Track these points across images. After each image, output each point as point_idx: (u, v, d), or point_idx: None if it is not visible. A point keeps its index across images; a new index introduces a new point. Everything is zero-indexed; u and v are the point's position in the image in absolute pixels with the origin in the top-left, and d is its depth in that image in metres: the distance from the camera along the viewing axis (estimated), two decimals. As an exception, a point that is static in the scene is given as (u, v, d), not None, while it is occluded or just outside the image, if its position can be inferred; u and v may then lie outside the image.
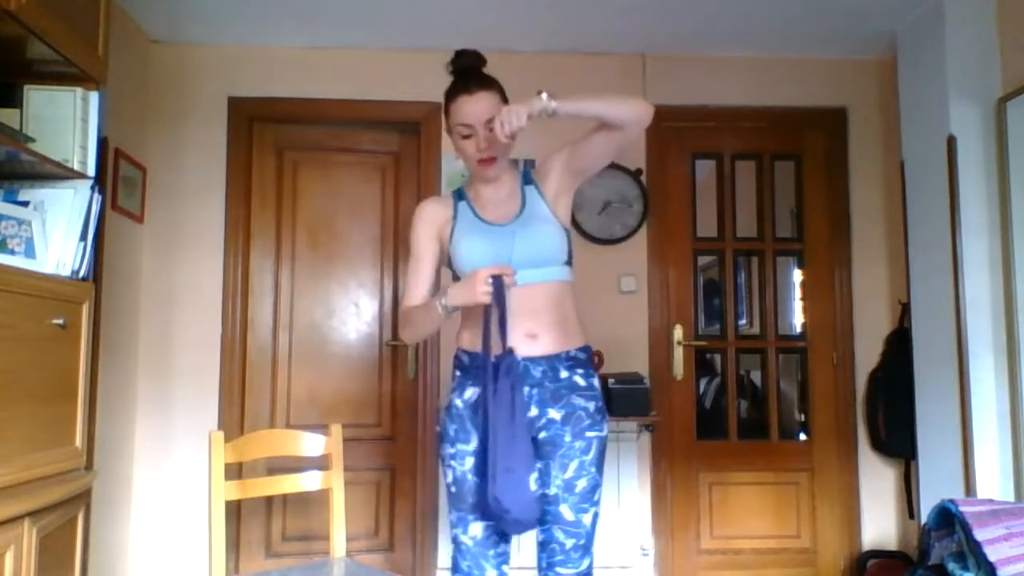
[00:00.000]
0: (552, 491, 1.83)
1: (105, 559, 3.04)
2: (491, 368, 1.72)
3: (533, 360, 1.80)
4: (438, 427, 1.86)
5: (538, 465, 1.84)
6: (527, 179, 1.96)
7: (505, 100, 1.86)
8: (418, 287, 1.94)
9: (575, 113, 1.73)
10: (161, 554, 3.31)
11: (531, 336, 1.80)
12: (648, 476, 3.45)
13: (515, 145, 1.85)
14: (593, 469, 1.84)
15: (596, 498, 1.85)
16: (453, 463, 1.83)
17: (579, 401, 1.83)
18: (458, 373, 1.91)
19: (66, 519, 2.00)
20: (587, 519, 1.84)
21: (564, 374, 1.83)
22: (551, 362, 1.82)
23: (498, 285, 1.70)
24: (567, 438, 1.82)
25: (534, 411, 1.82)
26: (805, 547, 3.58)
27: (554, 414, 1.82)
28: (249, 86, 3.52)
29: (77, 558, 2.07)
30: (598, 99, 1.78)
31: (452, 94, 1.86)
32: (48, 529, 1.88)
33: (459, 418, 1.85)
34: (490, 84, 1.86)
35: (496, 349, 1.73)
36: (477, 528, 1.82)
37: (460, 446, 1.82)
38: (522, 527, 1.74)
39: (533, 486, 1.73)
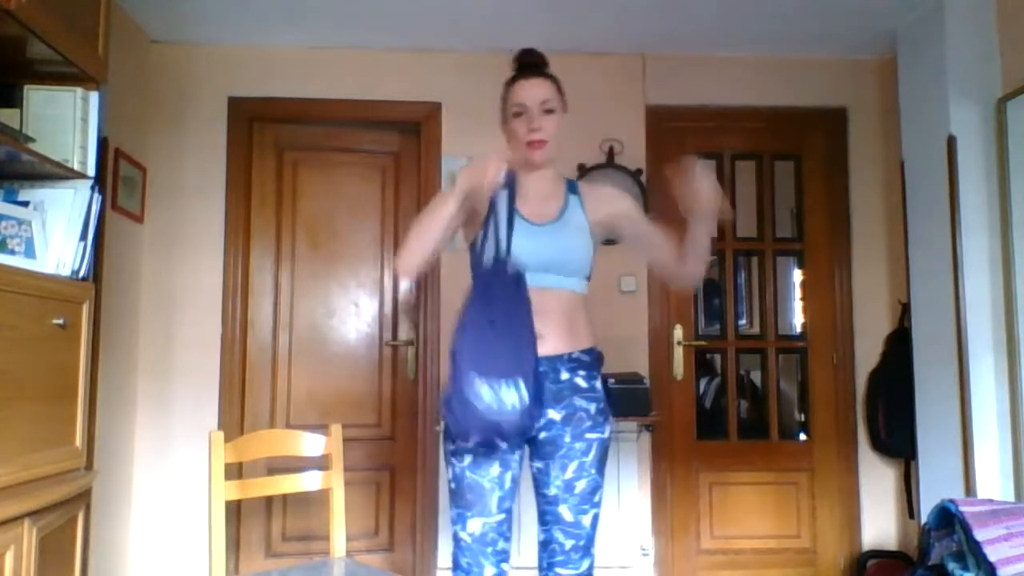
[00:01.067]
0: (552, 492, 1.83)
1: (105, 559, 3.04)
2: (486, 273, 1.70)
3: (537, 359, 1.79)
4: (438, 427, 1.83)
5: (538, 465, 1.86)
6: (572, 188, 1.97)
7: (562, 95, 1.91)
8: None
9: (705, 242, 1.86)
10: (161, 554, 3.31)
11: (537, 336, 1.77)
12: (648, 476, 3.45)
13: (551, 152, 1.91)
14: (593, 471, 1.84)
15: (597, 499, 1.85)
16: (453, 460, 1.82)
17: (580, 402, 1.83)
18: None
19: (66, 519, 2.00)
20: (587, 520, 1.84)
21: (565, 375, 1.83)
22: (553, 363, 1.81)
23: (510, 178, 1.69)
24: (567, 439, 1.82)
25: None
26: (805, 547, 3.58)
27: (554, 414, 1.82)
28: (249, 86, 3.52)
29: (77, 558, 2.07)
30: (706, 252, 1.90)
31: (511, 82, 1.91)
32: (48, 529, 1.88)
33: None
34: (549, 76, 1.92)
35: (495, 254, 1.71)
36: (476, 525, 1.81)
37: (460, 443, 1.80)
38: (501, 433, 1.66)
39: (512, 395, 1.63)
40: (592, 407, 1.85)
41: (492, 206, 1.71)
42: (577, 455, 1.82)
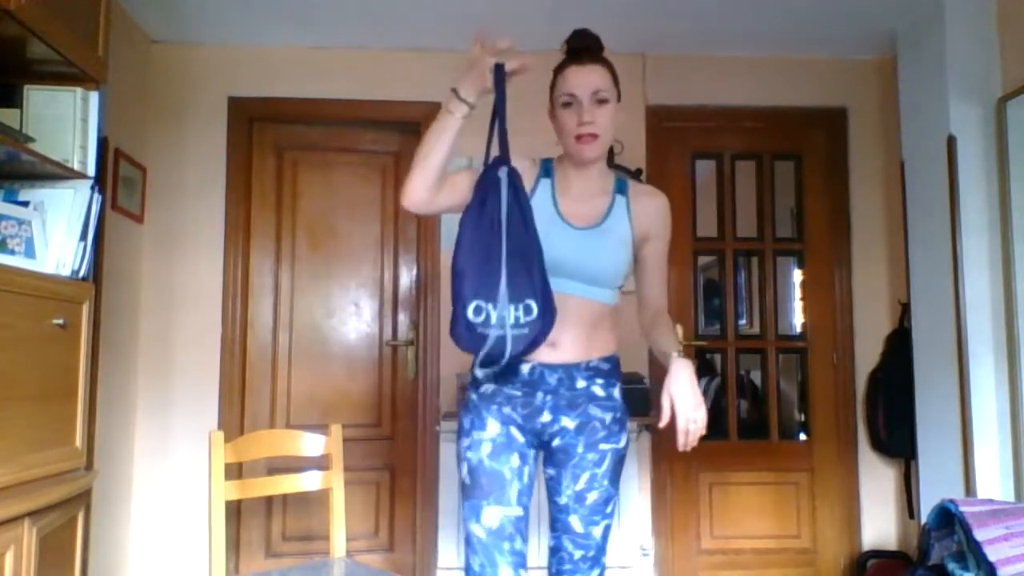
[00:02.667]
0: (563, 500, 1.77)
1: (105, 559, 3.04)
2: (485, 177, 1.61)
3: (550, 367, 1.71)
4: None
5: (550, 471, 1.80)
6: (621, 188, 1.81)
7: (617, 82, 1.74)
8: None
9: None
10: (161, 554, 3.31)
11: (551, 344, 1.67)
12: (648, 476, 3.45)
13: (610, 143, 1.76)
14: (606, 482, 1.76)
15: (609, 511, 1.78)
16: (469, 454, 1.73)
17: (595, 411, 1.75)
18: (478, 375, 1.82)
19: (66, 519, 2.00)
20: (597, 532, 1.77)
21: (581, 383, 1.74)
22: (568, 370, 1.73)
23: (499, 73, 1.57)
24: (580, 448, 1.74)
25: (547, 417, 1.74)
26: (805, 547, 3.58)
27: (568, 423, 1.74)
28: (249, 86, 3.52)
29: (77, 558, 2.07)
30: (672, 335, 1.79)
31: (561, 67, 1.75)
32: (48, 529, 1.88)
33: (475, 409, 1.76)
34: (604, 61, 1.75)
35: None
36: (493, 515, 1.68)
37: (476, 433, 1.73)
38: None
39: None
40: (608, 416, 1.76)
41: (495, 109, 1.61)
42: (589, 466, 1.74)
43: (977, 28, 2.96)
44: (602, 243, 1.72)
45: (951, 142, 2.94)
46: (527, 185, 1.68)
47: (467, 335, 1.55)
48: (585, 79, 1.70)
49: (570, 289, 1.69)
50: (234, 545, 3.41)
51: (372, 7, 3.18)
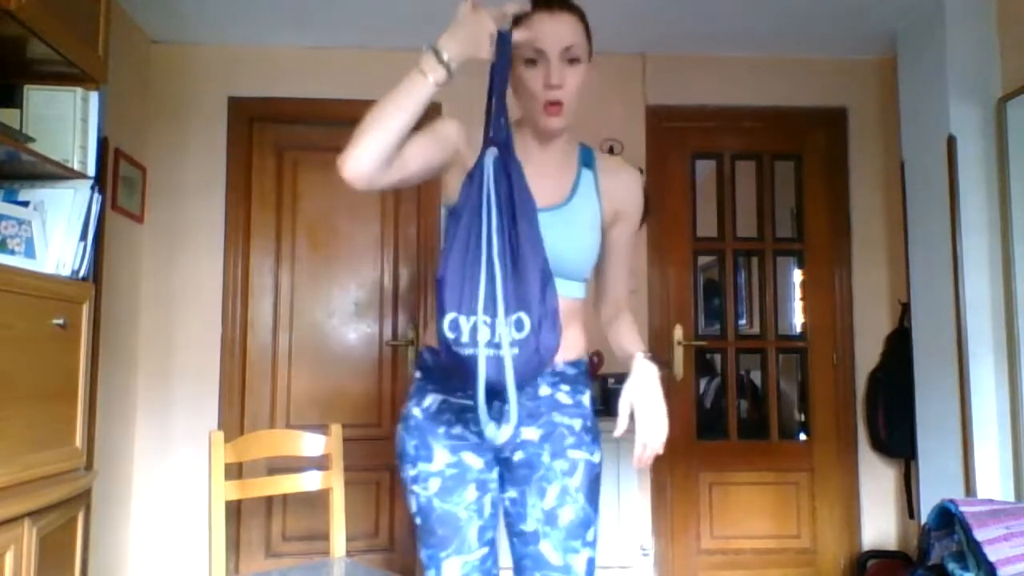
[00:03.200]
0: (530, 526, 1.44)
1: (105, 559, 3.04)
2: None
3: None
4: (397, 447, 1.48)
5: (511, 494, 1.48)
6: (587, 159, 1.53)
7: (590, 37, 1.46)
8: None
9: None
10: (161, 554, 3.31)
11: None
12: (648, 476, 3.45)
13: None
14: (581, 497, 1.44)
15: (590, 538, 1.45)
16: (416, 488, 1.43)
17: (561, 418, 1.48)
18: (418, 375, 1.52)
19: (66, 519, 2.00)
20: (578, 564, 1.43)
21: (545, 390, 1.47)
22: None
23: (504, 41, 1.32)
24: (545, 458, 1.45)
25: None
26: (805, 547, 3.58)
27: (530, 433, 1.46)
28: (249, 86, 3.52)
29: (77, 558, 2.07)
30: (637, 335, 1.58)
31: (526, 17, 1.41)
32: (48, 529, 1.88)
33: (418, 431, 1.45)
34: (576, 11, 1.45)
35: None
36: (454, 567, 1.42)
37: (422, 465, 1.43)
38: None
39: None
40: (576, 423, 1.49)
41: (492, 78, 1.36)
42: (558, 476, 1.44)
43: (977, 28, 2.96)
44: (568, 226, 1.44)
45: (951, 142, 2.94)
46: (473, 154, 1.38)
47: (445, 354, 1.26)
48: (555, 30, 1.39)
49: None
50: (234, 545, 3.41)
51: (372, 7, 3.18)
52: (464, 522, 1.42)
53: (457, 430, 1.44)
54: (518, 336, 1.23)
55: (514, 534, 1.49)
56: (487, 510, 1.45)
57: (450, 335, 1.23)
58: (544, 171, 1.45)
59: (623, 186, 1.56)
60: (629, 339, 1.54)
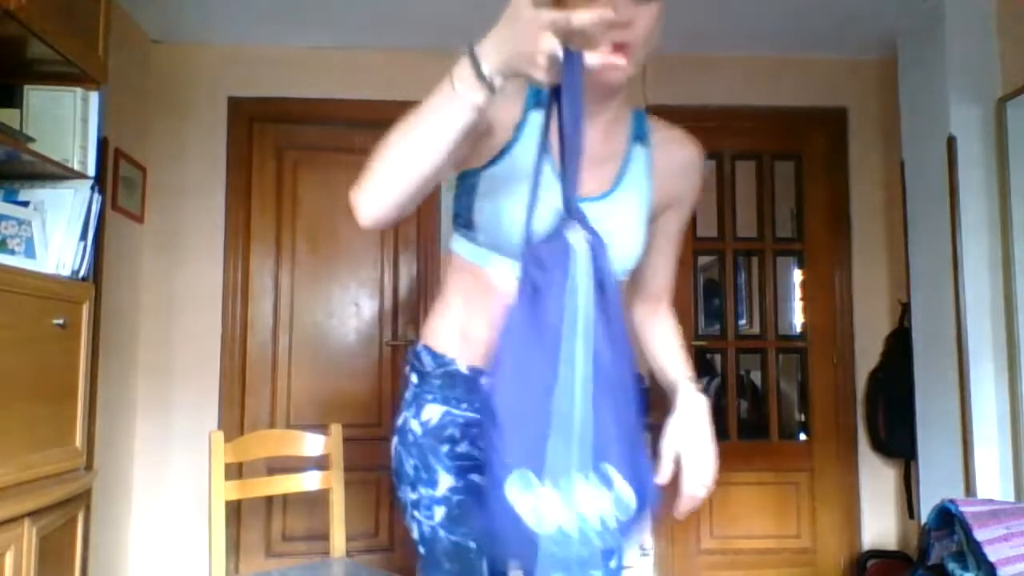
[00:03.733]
0: None
1: (105, 559, 3.04)
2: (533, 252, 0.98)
3: None
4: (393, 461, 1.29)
5: None
6: (639, 130, 1.23)
7: None
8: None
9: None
10: (161, 554, 3.31)
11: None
12: (648, 476, 3.45)
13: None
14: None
15: (613, 566, 1.20)
16: (418, 515, 1.23)
17: None
18: (414, 380, 1.27)
19: (66, 519, 2.00)
20: None
21: None
22: None
23: (571, 64, 0.90)
24: None
25: None
26: (805, 547, 3.58)
27: None
28: (249, 86, 3.51)
29: (77, 558, 2.07)
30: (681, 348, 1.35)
31: None
32: (48, 529, 1.88)
33: (418, 450, 1.23)
34: None
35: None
36: None
37: (424, 490, 1.22)
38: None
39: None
40: None
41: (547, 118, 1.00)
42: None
43: (977, 28, 2.96)
44: (613, 220, 1.14)
45: (951, 142, 2.94)
46: (509, 116, 1.12)
47: (513, 532, 0.91)
48: None
49: None
50: (234, 545, 3.41)
51: (372, 7, 3.18)
52: (475, 553, 1.20)
53: (463, 448, 1.21)
54: (619, 516, 0.91)
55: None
56: None
57: (520, 502, 0.89)
58: (589, 147, 1.05)
59: (680, 168, 1.26)
60: (672, 357, 1.27)
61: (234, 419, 3.39)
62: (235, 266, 3.46)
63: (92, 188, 2.13)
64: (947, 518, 1.96)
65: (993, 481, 2.81)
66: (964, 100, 2.95)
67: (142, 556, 3.30)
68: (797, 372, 3.81)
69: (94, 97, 2.18)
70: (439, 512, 1.21)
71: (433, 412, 1.23)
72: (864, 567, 3.43)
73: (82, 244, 2.09)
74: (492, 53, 0.93)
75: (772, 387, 3.69)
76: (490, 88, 0.93)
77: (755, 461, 3.61)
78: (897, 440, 3.40)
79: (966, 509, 1.89)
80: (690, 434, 1.20)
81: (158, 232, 3.42)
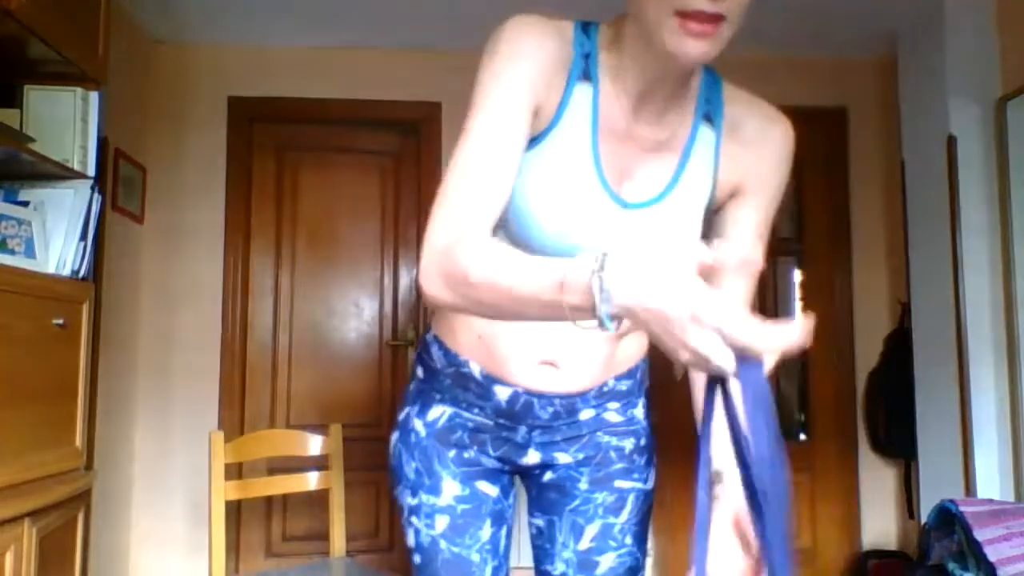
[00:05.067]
0: (557, 568, 1.15)
1: (105, 559, 3.04)
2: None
3: (544, 397, 1.09)
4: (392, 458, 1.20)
5: (538, 522, 1.19)
6: (711, 106, 1.01)
7: None
8: (489, 192, 0.89)
9: None
10: (161, 554, 3.31)
11: (550, 363, 1.07)
12: (648, 476, 3.45)
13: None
14: (630, 539, 1.15)
15: None
16: (416, 522, 1.13)
17: (608, 439, 1.16)
18: (420, 374, 1.20)
19: (66, 519, 2.00)
20: None
21: (588, 414, 1.13)
22: (571, 401, 1.11)
23: (754, 374, 0.73)
24: (583, 484, 1.15)
25: (534, 457, 1.15)
26: (805, 547, 3.58)
27: (564, 458, 1.15)
28: (249, 86, 3.52)
29: (77, 558, 2.07)
30: None
31: None
32: (48, 529, 1.88)
33: (421, 453, 1.15)
34: None
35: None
36: None
37: (426, 497, 1.13)
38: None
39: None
40: (628, 443, 1.17)
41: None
42: (599, 513, 1.14)
43: (977, 28, 2.96)
44: (663, 228, 0.97)
45: (951, 142, 2.94)
46: (552, 96, 0.92)
47: None
48: None
49: None
50: (234, 545, 3.41)
51: (372, 7, 3.18)
52: (477, 566, 1.12)
53: (470, 454, 1.13)
54: None
55: (539, 571, 1.19)
56: (503, 544, 1.16)
57: None
58: (649, 132, 0.92)
59: (756, 153, 1.02)
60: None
61: (234, 419, 3.39)
62: (235, 266, 3.46)
63: (92, 188, 2.13)
64: (947, 518, 1.96)
65: (993, 481, 2.81)
66: (964, 100, 2.95)
67: (142, 556, 3.30)
68: (797, 372, 3.81)
69: (94, 97, 2.18)
70: (441, 522, 1.12)
71: (440, 412, 1.14)
72: (864, 567, 3.43)
73: (82, 244, 2.09)
74: (624, 301, 0.68)
75: (772, 387, 3.69)
76: (605, 328, 0.71)
77: (755, 461, 3.61)
78: (897, 440, 3.40)
79: (966, 509, 1.89)
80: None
81: (158, 232, 3.42)
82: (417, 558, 1.14)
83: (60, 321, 1.97)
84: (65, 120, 2.13)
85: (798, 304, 3.91)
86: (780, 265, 3.81)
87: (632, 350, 1.14)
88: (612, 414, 1.16)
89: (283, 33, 3.42)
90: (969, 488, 2.82)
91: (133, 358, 3.32)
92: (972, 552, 1.82)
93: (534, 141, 0.93)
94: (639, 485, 1.19)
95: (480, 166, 0.89)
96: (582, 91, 0.92)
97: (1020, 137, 2.80)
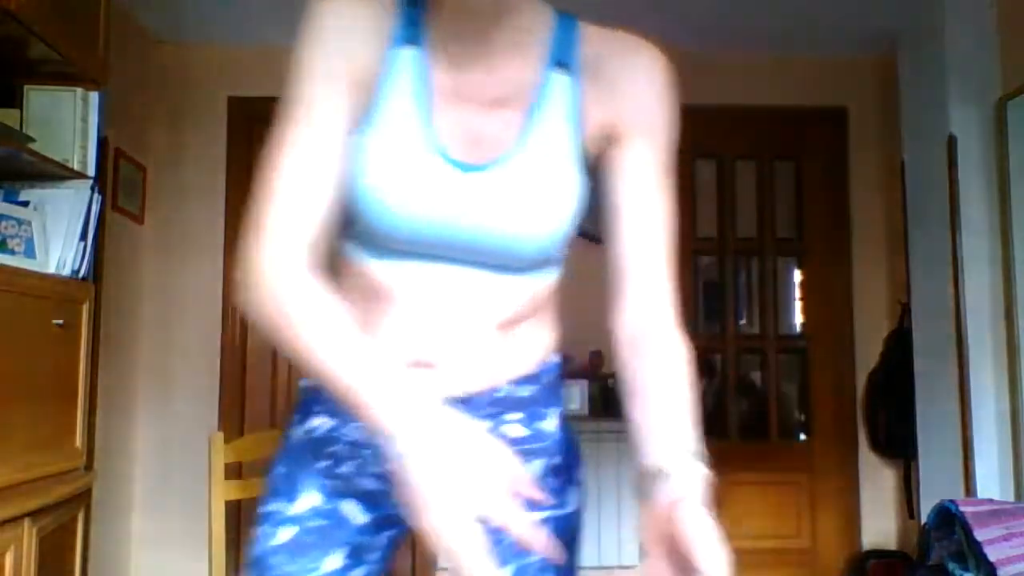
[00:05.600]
0: None
1: (105, 559, 3.04)
2: None
3: None
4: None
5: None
6: (562, 51, 0.89)
7: None
8: (305, 183, 0.88)
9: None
10: (161, 554, 3.31)
11: (424, 364, 0.87)
12: (648, 476, 3.45)
13: None
14: None
15: None
16: (260, 530, 0.95)
17: None
18: (304, 383, 1.03)
19: (66, 519, 2.00)
20: None
21: (485, 424, 0.88)
22: (465, 407, 0.86)
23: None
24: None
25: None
26: (805, 547, 3.58)
27: None
28: (249, 86, 3.51)
29: (77, 558, 2.07)
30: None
31: None
32: (48, 529, 1.88)
33: (289, 458, 1.00)
34: None
35: None
36: None
37: (278, 504, 0.96)
38: None
39: None
40: (536, 464, 0.94)
41: None
42: (510, 555, 0.85)
43: (977, 28, 2.96)
44: (518, 190, 0.85)
45: (951, 142, 2.94)
46: (373, 68, 0.86)
47: None
48: None
49: (459, 276, 0.87)
50: (234, 545, 3.41)
51: (372, 7, 3.18)
52: None
53: (346, 468, 0.94)
54: None
55: None
56: None
57: None
58: (485, 94, 0.86)
59: (625, 89, 0.89)
60: (664, 417, 0.85)
61: (234, 419, 3.40)
62: (235, 266, 3.46)
63: (92, 188, 2.13)
64: (947, 518, 1.96)
65: (993, 481, 2.81)
66: (964, 100, 2.95)
67: (142, 556, 3.30)
68: (797, 372, 3.81)
69: (94, 97, 2.18)
70: (285, 534, 0.93)
71: (319, 423, 0.96)
72: (864, 567, 3.43)
73: (82, 244, 2.09)
74: (411, 445, 0.68)
75: (772, 387, 3.69)
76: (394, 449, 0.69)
77: (755, 461, 3.61)
78: (897, 440, 3.40)
79: (966, 509, 1.89)
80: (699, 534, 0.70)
81: (158, 232, 3.42)
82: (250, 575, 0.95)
83: (60, 321, 1.97)
84: (65, 120, 2.13)
85: (798, 304, 3.92)
86: (780, 265, 3.81)
87: (533, 346, 0.94)
88: (513, 427, 0.93)
89: (283, 33, 3.39)
90: (969, 488, 2.82)
91: (133, 358, 3.32)
92: (972, 552, 1.82)
93: (366, 118, 0.87)
94: (555, 512, 0.95)
95: (301, 167, 0.88)
96: (406, 56, 0.86)
97: (1020, 137, 2.80)
